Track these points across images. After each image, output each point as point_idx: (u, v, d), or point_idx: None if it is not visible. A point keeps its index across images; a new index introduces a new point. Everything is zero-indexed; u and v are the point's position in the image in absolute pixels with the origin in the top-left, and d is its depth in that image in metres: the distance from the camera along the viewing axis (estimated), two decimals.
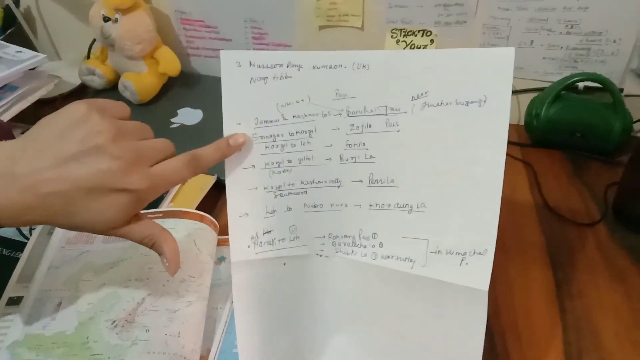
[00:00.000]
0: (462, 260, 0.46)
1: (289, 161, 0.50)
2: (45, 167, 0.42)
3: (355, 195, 0.50)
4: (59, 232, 0.69)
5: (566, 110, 0.89)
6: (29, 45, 1.09)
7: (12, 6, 1.10)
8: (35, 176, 0.42)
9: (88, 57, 1.09)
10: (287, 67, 0.48)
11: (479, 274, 0.46)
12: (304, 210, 0.51)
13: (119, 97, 1.02)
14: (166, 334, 0.57)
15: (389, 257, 0.49)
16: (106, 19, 0.97)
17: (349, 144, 0.49)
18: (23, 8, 1.14)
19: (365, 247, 0.50)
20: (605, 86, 0.86)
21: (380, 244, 0.50)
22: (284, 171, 0.50)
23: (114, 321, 0.58)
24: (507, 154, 0.92)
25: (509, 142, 0.96)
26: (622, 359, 0.60)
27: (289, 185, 0.50)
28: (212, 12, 1.04)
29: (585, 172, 0.88)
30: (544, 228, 0.77)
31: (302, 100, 0.49)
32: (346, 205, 0.50)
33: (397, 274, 0.49)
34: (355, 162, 0.49)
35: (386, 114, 0.48)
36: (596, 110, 0.88)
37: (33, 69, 0.93)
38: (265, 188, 0.50)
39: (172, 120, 0.97)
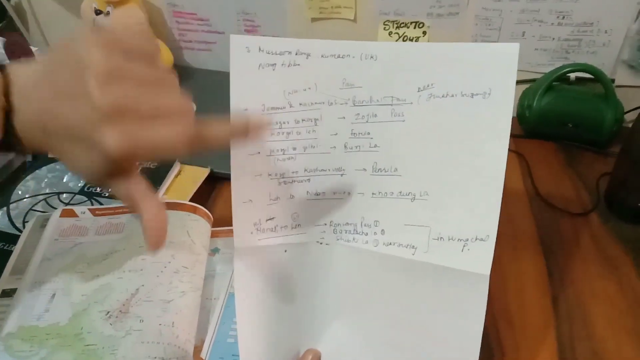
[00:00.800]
0: (464, 246, 0.47)
1: (294, 149, 0.50)
2: (49, 97, 0.38)
3: (358, 183, 0.50)
4: (52, 225, 0.69)
5: (558, 101, 0.89)
6: None
7: (3, 0, 1.09)
8: (43, 104, 0.39)
9: None
10: (296, 54, 0.48)
11: (480, 259, 0.47)
12: (306, 198, 0.51)
13: None
14: (160, 324, 0.57)
15: (390, 244, 0.50)
16: (98, 12, 0.97)
17: (354, 133, 0.49)
18: (14, 1, 1.13)
19: (366, 234, 0.51)
20: (597, 77, 0.87)
21: (382, 231, 0.50)
22: (288, 158, 0.50)
23: (108, 312, 0.58)
24: None
25: None
26: (614, 346, 0.60)
27: (293, 172, 0.50)
28: (204, 4, 1.03)
29: (578, 162, 0.88)
30: (537, 218, 0.77)
31: (309, 88, 0.49)
32: (349, 194, 0.51)
33: (398, 261, 0.49)
34: (359, 150, 0.50)
35: (392, 104, 0.48)
36: (588, 101, 0.88)
37: None
38: (269, 175, 0.50)
39: None
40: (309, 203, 0.51)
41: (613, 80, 0.91)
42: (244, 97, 0.49)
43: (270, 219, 0.51)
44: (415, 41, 0.96)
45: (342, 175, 0.51)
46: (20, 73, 0.40)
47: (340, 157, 0.50)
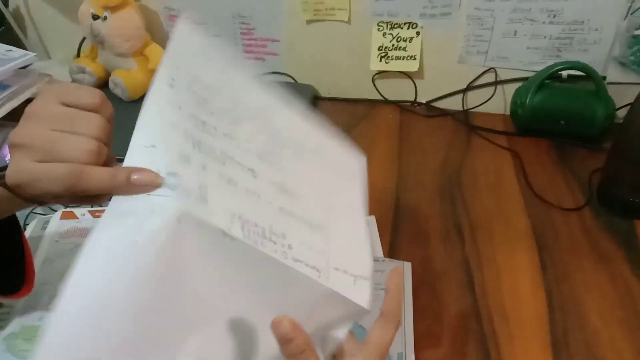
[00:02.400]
0: (355, 281, 0.47)
1: (215, 128, 0.46)
2: None
3: (268, 192, 0.46)
4: (52, 227, 0.70)
5: (550, 99, 0.90)
6: (19, 45, 1.10)
7: (1, 6, 1.10)
8: None
9: (78, 55, 1.10)
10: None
11: (364, 295, 0.46)
12: (218, 177, 0.43)
13: (110, 95, 1.02)
14: None
15: (298, 261, 0.43)
16: (95, 17, 0.98)
17: (266, 151, 0.49)
18: (12, 8, 1.14)
19: (275, 243, 0.43)
20: (589, 74, 0.88)
21: (289, 247, 0.44)
22: (207, 133, 0.45)
23: None
24: (494, 143, 0.95)
25: (497, 132, 0.98)
26: (607, 336, 0.61)
27: (210, 147, 0.44)
28: (200, 8, 1.05)
29: (570, 158, 0.89)
30: (530, 214, 0.79)
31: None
32: (259, 197, 0.45)
33: (306, 280, 0.43)
34: (270, 165, 0.48)
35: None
36: (580, 98, 0.90)
37: (24, 67, 0.93)
38: (185, 131, 0.43)
39: None
40: (222, 185, 0.43)
41: (604, 78, 0.92)
42: (175, 68, 0.47)
43: (172, 174, 0.40)
44: (409, 42, 0.98)
45: (254, 177, 0.46)
46: None
47: (253, 161, 0.47)
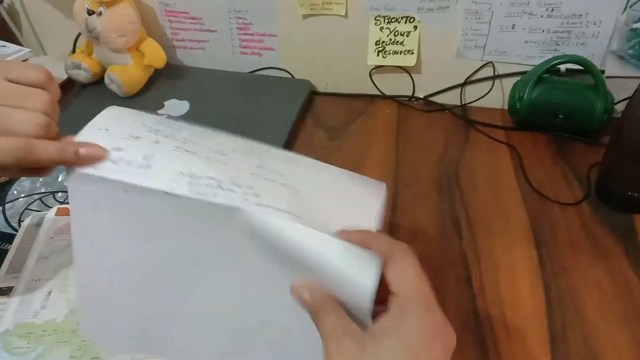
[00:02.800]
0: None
1: (174, 134, 0.47)
2: None
3: (239, 164, 0.46)
4: (47, 223, 0.70)
5: (548, 93, 0.90)
6: (14, 40, 1.09)
7: None
8: None
9: (73, 51, 1.09)
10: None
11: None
12: (173, 148, 0.45)
13: (106, 90, 1.02)
14: None
15: (267, 206, 0.43)
16: (90, 12, 0.97)
17: (242, 148, 0.49)
18: (7, 3, 1.13)
19: (234, 192, 0.43)
20: (587, 68, 0.87)
21: (256, 195, 0.43)
22: (166, 135, 0.47)
23: None
24: (492, 138, 0.94)
25: (495, 126, 0.98)
26: (605, 331, 0.61)
27: (169, 133, 0.47)
28: (196, 3, 1.04)
29: (569, 153, 0.89)
30: (529, 209, 0.78)
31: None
32: (224, 164, 0.45)
33: (274, 224, 0.42)
34: (244, 155, 0.48)
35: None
36: (578, 92, 0.89)
37: None
38: (143, 125, 0.47)
39: (159, 112, 0.98)
40: (175, 153, 0.45)
41: (603, 71, 0.92)
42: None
43: (117, 149, 0.44)
44: (407, 36, 0.97)
45: (222, 155, 0.47)
46: None
47: (225, 150, 0.48)
